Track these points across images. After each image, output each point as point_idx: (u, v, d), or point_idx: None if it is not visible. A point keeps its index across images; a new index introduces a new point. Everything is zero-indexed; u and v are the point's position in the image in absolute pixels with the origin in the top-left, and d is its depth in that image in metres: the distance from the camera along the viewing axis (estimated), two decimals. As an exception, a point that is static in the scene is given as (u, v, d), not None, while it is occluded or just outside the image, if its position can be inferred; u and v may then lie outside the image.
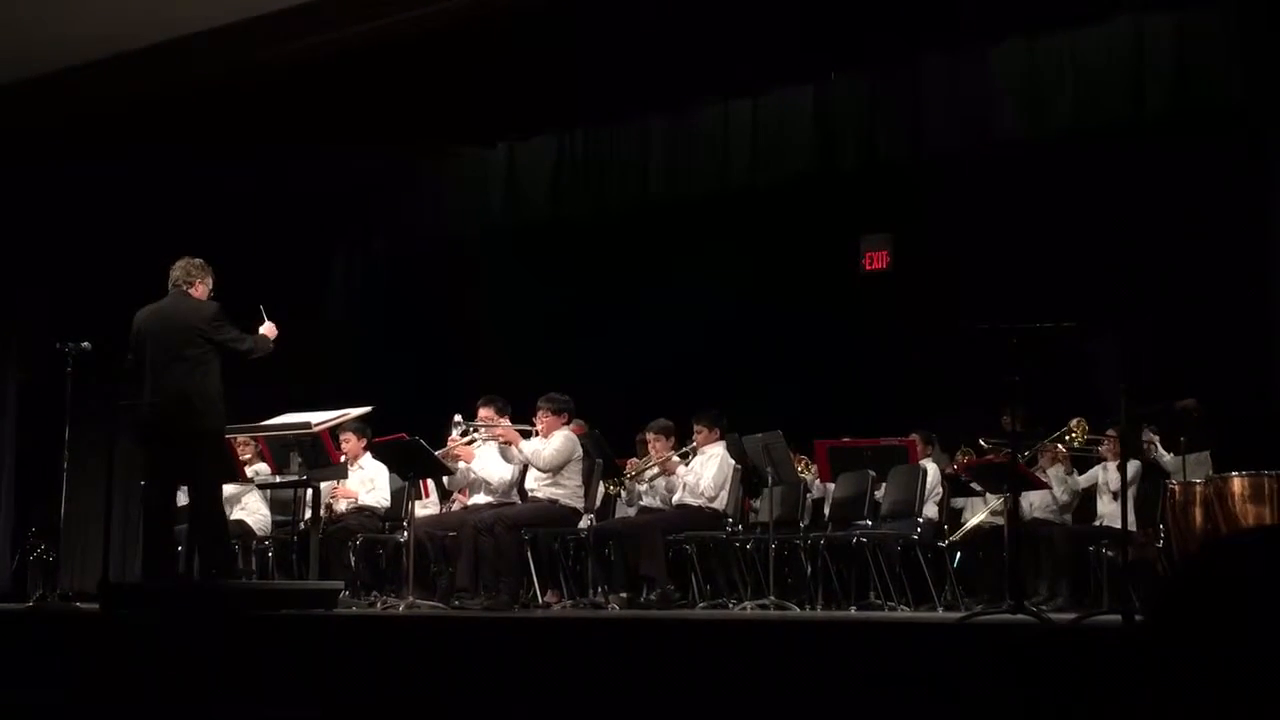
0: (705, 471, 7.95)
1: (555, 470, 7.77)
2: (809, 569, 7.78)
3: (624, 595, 7.67)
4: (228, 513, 8.36)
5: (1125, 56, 7.31)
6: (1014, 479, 6.22)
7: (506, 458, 7.94)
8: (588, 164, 9.12)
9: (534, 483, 7.87)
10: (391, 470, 8.33)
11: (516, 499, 7.96)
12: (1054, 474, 7.89)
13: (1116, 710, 3.46)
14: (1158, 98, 7.25)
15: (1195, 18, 7.12)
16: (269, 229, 9.37)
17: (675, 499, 8.06)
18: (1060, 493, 7.93)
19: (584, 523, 8.05)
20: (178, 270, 6.68)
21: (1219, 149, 7.62)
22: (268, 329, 6.76)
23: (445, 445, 7.91)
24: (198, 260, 6.74)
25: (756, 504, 8.51)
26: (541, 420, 7.91)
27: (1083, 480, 8.00)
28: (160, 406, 6.42)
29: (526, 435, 7.91)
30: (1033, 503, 7.92)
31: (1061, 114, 7.53)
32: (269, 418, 7.37)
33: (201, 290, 6.67)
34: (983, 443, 8.05)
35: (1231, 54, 6.99)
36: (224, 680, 5.06)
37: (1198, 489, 6.56)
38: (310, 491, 7.43)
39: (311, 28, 8.63)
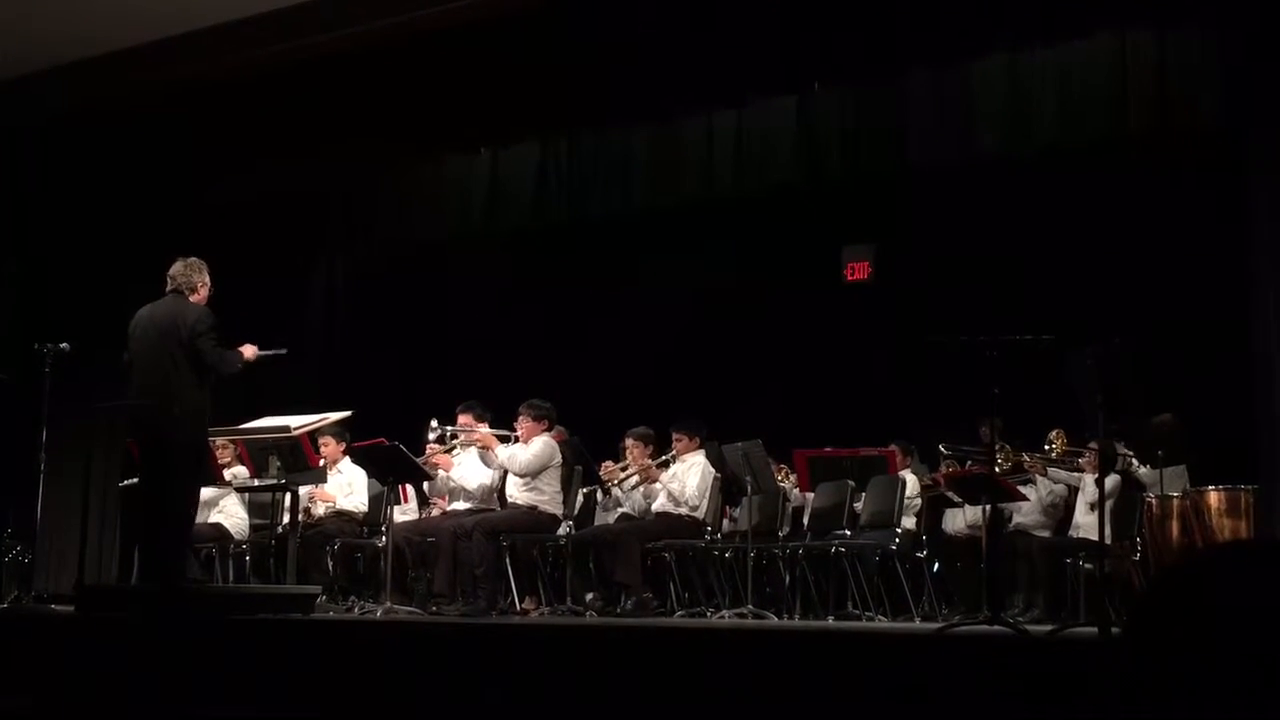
0: (689, 479, 7.95)
1: (532, 474, 7.77)
2: (787, 578, 7.79)
3: (596, 598, 7.67)
4: (205, 516, 8.36)
5: (1107, 74, 7.33)
6: (993, 490, 6.24)
7: (487, 463, 7.94)
8: (571, 172, 9.11)
9: (514, 489, 7.87)
10: (370, 475, 8.31)
11: (496, 505, 7.96)
12: (1040, 482, 7.86)
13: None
14: (1140, 115, 7.28)
15: (1177, 35, 7.15)
16: (250, 232, 9.33)
17: (655, 506, 8.06)
18: (1045, 495, 7.89)
19: (563, 529, 8.05)
20: (177, 271, 6.59)
21: (1200, 166, 7.67)
22: (247, 350, 6.65)
23: (423, 450, 7.90)
24: (197, 261, 6.64)
25: (735, 513, 8.52)
26: (522, 426, 7.92)
27: (1060, 474, 7.86)
28: (143, 406, 6.38)
29: (505, 440, 7.91)
30: (1020, 506, 7.89)
31: (1043, 130, 7.54)
32: (248, 421, 7.34)
33: (202, 293, 6.59)
34: (942, 448, 8.06)
35: (1213, 72, 7.03)
36: (199, 684, 5.04)
37: (1175, 503, 6.62)
38: (288, 495, 7.42)
39: (295, 33, 8.63)
